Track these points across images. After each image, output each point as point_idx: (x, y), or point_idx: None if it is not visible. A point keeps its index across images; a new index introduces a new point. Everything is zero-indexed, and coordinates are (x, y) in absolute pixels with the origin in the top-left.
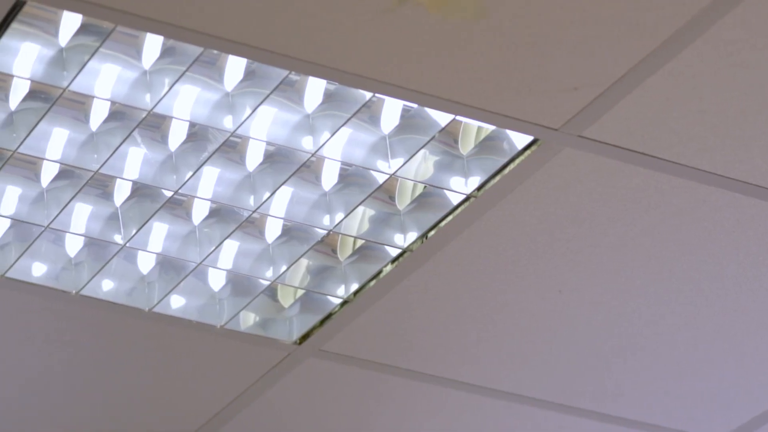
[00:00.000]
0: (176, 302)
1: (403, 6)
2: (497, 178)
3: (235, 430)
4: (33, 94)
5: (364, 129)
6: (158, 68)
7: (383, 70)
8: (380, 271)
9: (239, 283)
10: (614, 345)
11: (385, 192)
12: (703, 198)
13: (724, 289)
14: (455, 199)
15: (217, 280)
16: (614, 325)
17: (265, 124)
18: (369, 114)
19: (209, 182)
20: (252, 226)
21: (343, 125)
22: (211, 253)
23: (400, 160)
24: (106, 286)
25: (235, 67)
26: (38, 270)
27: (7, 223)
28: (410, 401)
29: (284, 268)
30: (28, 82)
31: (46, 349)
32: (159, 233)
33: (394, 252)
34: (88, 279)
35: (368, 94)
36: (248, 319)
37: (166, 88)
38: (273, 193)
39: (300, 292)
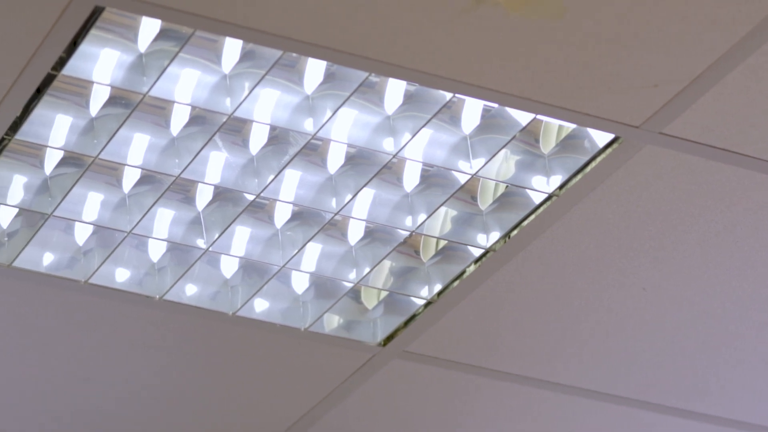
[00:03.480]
0: (260, 306)
1: (482, 6)
2: (579, 176)
3: None
4: (113, 100)
5: (444, 129)
6: (238, 72)
7: (463, 71)
8: (463, 272)
9: (322, 286)
10: (699, 342)
11: (467, 192)
12: None
13: None
14: (537, 198)
15: (300, 282)
16: (699, 322)
17: (345, 127)
18: (449, 114)
19: (291, 185)
20: (334, 228)
21: (423, 126)
22: (294, 255)
23: (481, 160)
24: (190, 290)
25: (314, 69)
26: (121, 275)
27: (90, 229)
28: (496, 401)
29: (367, 269)
30: (108, 88)
31: (130, 355)
32: (241, 237)
33: (477, 252)
34: (171, 284)
35: (448, 95)
36: (332, 322)
37: (246, 92)
38: (355, 195)
39: (383, 294)
